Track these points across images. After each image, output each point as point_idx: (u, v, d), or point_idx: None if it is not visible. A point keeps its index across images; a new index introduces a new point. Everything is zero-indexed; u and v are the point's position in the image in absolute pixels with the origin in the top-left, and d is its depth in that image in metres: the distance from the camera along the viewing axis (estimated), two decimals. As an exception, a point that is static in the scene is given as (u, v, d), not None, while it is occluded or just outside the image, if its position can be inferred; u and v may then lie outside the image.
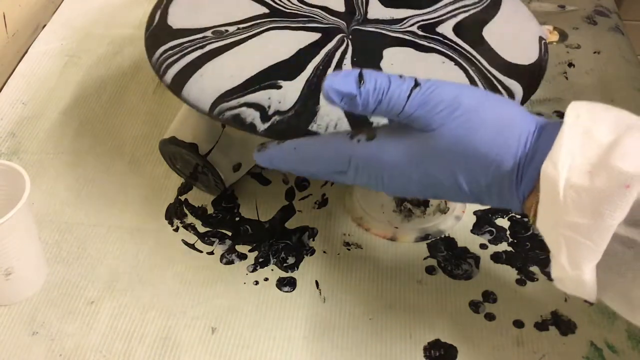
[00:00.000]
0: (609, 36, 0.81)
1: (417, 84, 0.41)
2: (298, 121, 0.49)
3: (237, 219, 0.60)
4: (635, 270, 0.37)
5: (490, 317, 0.53)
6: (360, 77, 0.40)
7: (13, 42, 0.82)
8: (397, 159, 0.42)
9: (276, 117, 0.49)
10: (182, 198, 0.62)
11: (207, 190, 0.62)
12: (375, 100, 0.40)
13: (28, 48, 0.80)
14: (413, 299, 0.54)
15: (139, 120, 0.70)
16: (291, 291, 0.55)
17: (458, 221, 0.59)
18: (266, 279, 0.55)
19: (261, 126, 0.48)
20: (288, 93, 0.50)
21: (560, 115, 0.68)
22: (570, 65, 0.76)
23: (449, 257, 0.57)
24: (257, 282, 0.55)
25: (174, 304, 0.54)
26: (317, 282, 0.55)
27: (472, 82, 0.52)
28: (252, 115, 0.49)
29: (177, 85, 0.52)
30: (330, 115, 0.49)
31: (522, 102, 0.52)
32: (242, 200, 0.62)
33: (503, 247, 0.58)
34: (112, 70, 0.76)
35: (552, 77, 0.74)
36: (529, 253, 0.57)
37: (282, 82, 0.51)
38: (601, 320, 0.52)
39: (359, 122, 0.49)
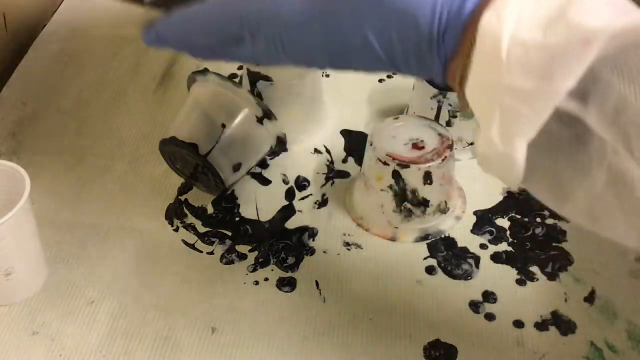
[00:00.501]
0: (609, 36, 0.81)
1: None
2: None
3: (237, 219, 0.60)
4: (568, 154, 0.32)
5: (490, 317, 0.53)
6: None
7: (13, 42, 0.82)
8: (297, 10, 0.35)
9: None
10: (182, 198, 0.62)
11: (207, 190, 0.62)
12: None
13: (28, 48, 0.80)
14: (413, 299, 0.54)
15: (139, 120, 0.70)
16: (291, 291, 0.55)
17: (458, 221, 0.59)
18: (266, 279, 0.55)
19: None
20: None
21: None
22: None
23: (449, 257, 0.57)
24: (257, 282, 0.55)
25: (174, 304, 0.54)
26: (317, 282, 0.55)
27: None
28: None
29: None
30: None
31: None
32: (242, 200, 0.62)
33: (503, 247, 0.58)
34: (112, 70, 0.76)
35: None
36: (529, 253, 0.57)
37: None
38: (601, 320, 0.52)
39: None
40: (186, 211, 0.61)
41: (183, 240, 0.59)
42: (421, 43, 0.33)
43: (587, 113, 0.30)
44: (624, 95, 0.30)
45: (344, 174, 0.64)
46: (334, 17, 0.35)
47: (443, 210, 0.58)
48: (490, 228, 0.59)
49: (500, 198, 0.61)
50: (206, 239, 0.59)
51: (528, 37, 0.30)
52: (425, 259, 0.57)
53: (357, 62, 0.36)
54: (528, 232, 0.58)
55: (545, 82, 0.30)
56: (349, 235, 0.59)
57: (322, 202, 0.62)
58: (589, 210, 0.33)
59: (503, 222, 0.59)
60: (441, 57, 0.33)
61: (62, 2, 0.87)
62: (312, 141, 0.67)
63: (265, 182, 0.63)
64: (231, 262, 0.57)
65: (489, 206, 0.60)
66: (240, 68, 0.74)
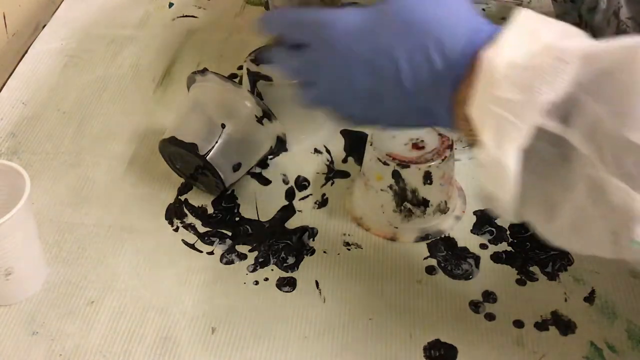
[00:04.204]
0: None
1: None
2: None
3: (237, 219, 0.60)
4: (555, 173, 0.37)
5: (490, 317, 0.53)
6: None
7: (13, 42, 0.82)
8: (349, 24, 0.43)
9: None
10: (182, 198, 0.62)
11: (207, 190, 0.62)
12: None
13: (28, 48, 0.80)
14: (413, 299, 0.54)
15: (139, 120, 0.70)
16: (291, 291, 0.55)
17: (458, 221, 0.59)
18: (266, 279, 0.55)
19: None
20: None
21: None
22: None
23: (449, 257, 0.57)
24: (257, 282, 0.55)
25: (174, 304, 0.54)
26: (317, 282, 0.55)
27: None
28: None
29: None
30: None
31: None
32: (242, 200, 0.62)
33: (503, 247, 0.58)
34: (112, 70, 0.76)
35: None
36: (529, 253, 0.57)
37: None
38: (601, 320, 0.52)
39: None
40: (186, 211, 0.61)
41: (183, 240, 0.59)
42: (439, 77, 0.40)
43: (569, 132, 0.36)
44: (599, 115, 0.35)
45: (344, 174, 0.64)
46: (375, 37, 0.42)
47: (443, 210, 0.58)
48: (490, 228, 0.59)
49: (500, 198, 0.61)
50: (206, 239, 0.59)
51: (517, 61, 0.37)
52: (425, 259, 0.57)
53: (383, 97, 0.43)
54: (528, 232, 0.58)
55: (528, 94, 0.36)
56: (349, 235, 0.59)
57: (322, 202, 0.62)
58: (572, 223, 0.38)
59: (503, 222, 0.59)
60: (450, 86, 0.40)
61: (62, 2, 0.87)
62: (312, 141, 0.67)
63: (265, 182, 0.63)
64: (231, 262, 0.57)
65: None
66: (240, 68, 0.74)
